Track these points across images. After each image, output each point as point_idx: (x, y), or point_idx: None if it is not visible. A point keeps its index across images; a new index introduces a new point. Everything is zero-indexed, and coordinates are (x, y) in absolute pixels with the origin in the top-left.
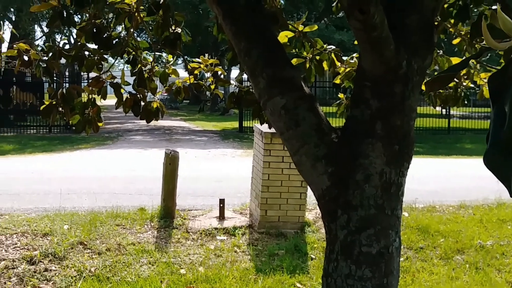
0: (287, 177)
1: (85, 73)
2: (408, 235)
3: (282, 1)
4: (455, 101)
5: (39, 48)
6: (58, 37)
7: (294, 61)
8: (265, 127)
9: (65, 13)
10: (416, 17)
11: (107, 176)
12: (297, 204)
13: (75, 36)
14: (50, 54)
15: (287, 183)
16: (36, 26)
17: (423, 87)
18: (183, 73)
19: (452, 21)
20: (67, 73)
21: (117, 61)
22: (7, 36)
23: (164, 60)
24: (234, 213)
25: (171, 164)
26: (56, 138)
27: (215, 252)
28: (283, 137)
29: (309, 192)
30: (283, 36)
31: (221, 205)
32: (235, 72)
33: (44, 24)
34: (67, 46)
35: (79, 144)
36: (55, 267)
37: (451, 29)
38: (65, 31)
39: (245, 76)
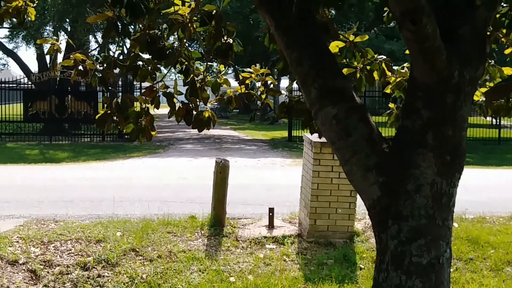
0: (336, 186)
1: (137, 83)
2: (458, 246)
3: (332, 11)
4: (507, 111)
5: (95, 58)
6: (112, 47)
7: (344, 70)
8: (314, 137)
9: (120, 24)
10: (468, 27)
11: (159, 184)
12: (346, 213)
13: (128, 46)
14: (106, 64)
15: (336, 193)
16: (90, 36)
17: (475, 97)
18: (233, 83)
19: (504, 31)
20: (120, 83)
21: (170, 71)
22: (62, 46)
23: (215, 70)
24: (283, 222)
25: (221, 173)
26: (109, 147)
27: (264, 261)
28: (334, 146)
29: (358, 202)
30: (334, 46)
31: (271, 214)
32: (284, 82)
33: (98, 34)
34: (121, 56)
35: (132, 152)
36: (108, 273)
37: (503, 39)
38: (119, 41)
39: (295, 85)
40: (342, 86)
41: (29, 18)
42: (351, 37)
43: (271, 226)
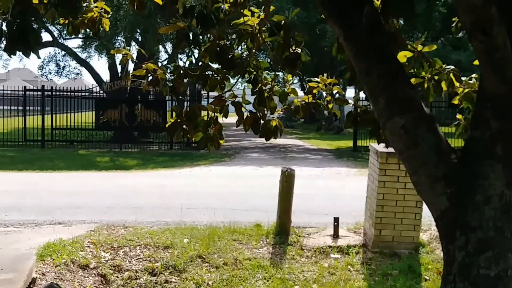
0: (402, 197)
1: (206, 92)
2: None
3: (401, 22)
4: None
5: (166, 68)
6: (181, 57)
7: (412, 80)
8: (381, 147)
9: (191, 34)
10: None
11: (225, 192)
12: (411, 224)
13: (197, 56)
14: (176, 74)
15: (402, 203)
16: (160, 46)
17: None
18: (300, 92)
19: None
20: (188, 92)
21: (238, 80)
22: (134, 56)
23: (281, 80)
24: (348, 231)
25: (287, 182)
26: (176, 155)
27: (329, 270)
28: (401, 157)
29: (424, 213)
30: (402, 56)
31: (335, 223)
32: (350, 91)
33: (168, 44)
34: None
35: (199, 160)
36: (175, 279)
37: None
38: (188, 51)
39: (362, 95)
40: (410, 96)
41: (103, 29)
42: (419, 47)
43: (336, 235)
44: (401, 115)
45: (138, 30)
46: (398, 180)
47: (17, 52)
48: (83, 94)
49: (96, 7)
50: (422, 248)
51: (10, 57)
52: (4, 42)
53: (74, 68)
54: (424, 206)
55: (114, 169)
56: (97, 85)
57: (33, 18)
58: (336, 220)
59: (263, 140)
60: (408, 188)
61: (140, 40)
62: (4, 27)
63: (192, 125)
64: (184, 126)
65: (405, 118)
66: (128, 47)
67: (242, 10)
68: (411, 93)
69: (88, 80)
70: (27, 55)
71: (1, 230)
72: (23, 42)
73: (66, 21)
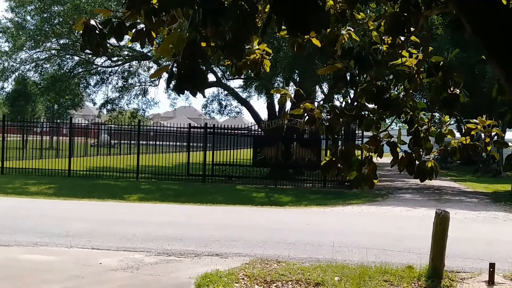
0: None
1: (360, 131)
2: None
3: None
4: None
5: (322, 108)
6: (336, 97)
7: None
8: None
9: (348, 75)
10: None
11: (377, 232)
12: None
13: (352, 96)
14: (333, 113)
15: None
16: (317, 86)
17: None
18: (456, 133)
19: None
20: (342, 131)
21: (394, 120)
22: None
23: (438, 120)
24: (504, 278)
25: (441, 224)
26: (329, 193)
27: None
28: None
29: None
30: None
31: (491, 269)
32: (509, 134)
33: (324, 84)
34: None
35: (351, 199)
36: None
37: None
38: (344, 91)
39: None
40: None
41: (264, 70)
42: None
43: (491, 282)
44: None
45: (296, 71)
46: None
47: (185, 92)
48: (242, 132)
49: (258, 49)
50: None
51: (179, 95)
52: (173, 82)
53: (235, 107)
54: None
55: (269, 205)
56: (255, 123)
57: (200, 60)
58: (492, 266)
59: (416, 181)
60: None
61: (297, 80)
62: (174, 68)
63: (347, 164)
64: (339, 165)
65: None
66: (286, 87)
67: (400, 51)
68: None
69: (247, 119)
70: (194, 95)
71: (163, 259)
72: (191, 83)
73: (230, 63)
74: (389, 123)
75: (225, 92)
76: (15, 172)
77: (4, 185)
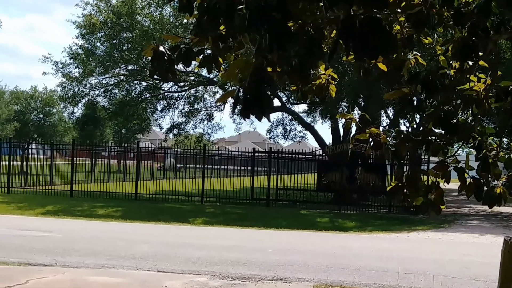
0: None
1: (425, 156)
2: None
3: None
4: None
5: (388, 133)
6: (401, 121)
7: None
8: None
9: (415, 100)
10: None
11: (443, 259)
12: None
13: (418, 121)
14: (399, 138)
15: None
16: (381, 111)
17: None
18: None
19: None
20: (407, 156)
21: (461, 145)
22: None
23: (506, 146)
24: None
25: (509, 252)
26: (394, 218)
27: None
28: None
29: None
30: None
31: None
32: None
33: (389, 109)
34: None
35: (416, 225)
36: None
37: None
38: (410, 116)
39: None
40: None
41: (329, 95)
42: None
43: None
44: None
45: (361, 95)
46: None
47: (250, 116)
48: (306, 156)
49: (324, 74)
50: None
51: (244, 119)
52: (239, 106)
53: (299, 131)
54: None
55: (333, 230)
56: (319, 148)
57: (266, 85)
58: None
59: (484, 207)
60: None
61: (362, 104)
62: (240, 93)
63: (413, 189)
64: (405, 190)
65: None
66: (351, 112)
67: (468, 76)
68: None
69: (311, 143)
70: (260, 119)
71: (227, 283)
72: (257, 107)
73: (296, 88)
74: (456, 148)
75: (290, 116)
76: (83, 195)
77: (73, 208)
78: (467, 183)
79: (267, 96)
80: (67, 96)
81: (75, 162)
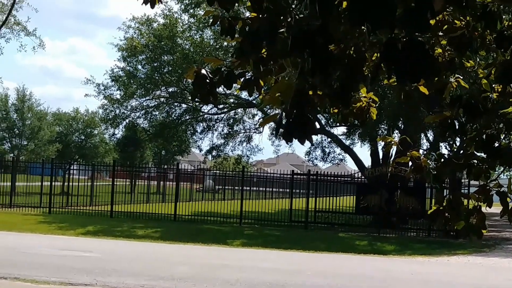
0: None
1: (466, 179)
2: None
3: None
4: None
5: (430, 156)
6: (442, 144)
7: None
8: None
9: (456, 123)
10: None
11: (484, 284)
12: None
13: (458, 144)
14: (440, 162)
15: None
16: (421, 134)
17: None
18: None
19: None
20: (448, 179)
21: (504, 169)
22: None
23: None
24: None
25: None
26: (434, 242)
27: None
28: None
29: None
30: None
31: None
32: None
33: (429, 132)
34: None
35: (457, 249)
36: None
37: None
38: (451, 139)
39: None
40: None
41: (370, 118)
42: None
43: None
44: None
45: (401, 118)
46: None
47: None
48: (345, 179)
49: (365, 97)
50: None
51: (287, 143)
52: (281, 130)
53: (338, 154)
54: None
55: (371, 253)
56: (358, 170)
57: (309, 108)
58: None
59: None
60: None
61: (402, 127)
62: (283, 117)
63: (455, 213)
64: (446, 214)
65: None
66: (391, 135)
67: (510, 99)
68: None
69: (350, 166)
70: (302, 143)
71: None
72: (300, 131)
73: (337, 111)
74: (498, 172)
75: (329, 139)
76: (123, 216)
77: (113, 228)
78: (510, 207)
79: (309, 120)
80: (108, 117)
81: (115, 183)
